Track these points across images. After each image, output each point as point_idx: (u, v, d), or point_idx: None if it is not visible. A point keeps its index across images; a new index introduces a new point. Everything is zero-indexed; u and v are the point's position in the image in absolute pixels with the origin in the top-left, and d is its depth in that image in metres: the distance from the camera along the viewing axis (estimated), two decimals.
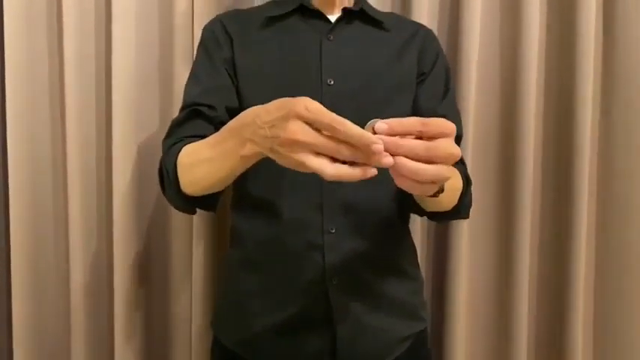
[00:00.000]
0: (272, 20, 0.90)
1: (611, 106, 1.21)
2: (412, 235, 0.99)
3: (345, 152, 0.51)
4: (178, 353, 1.18)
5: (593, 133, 1.18)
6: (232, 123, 0.65)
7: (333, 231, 0.84)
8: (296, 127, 0.52)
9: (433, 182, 0.55)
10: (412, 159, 0.53)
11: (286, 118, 0.53)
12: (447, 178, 0.55)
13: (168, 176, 0.79)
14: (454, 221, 1.16)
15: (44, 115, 1.15)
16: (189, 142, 0.78)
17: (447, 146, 0.53)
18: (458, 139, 0.96)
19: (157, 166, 0.85)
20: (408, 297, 0.92)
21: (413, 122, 0.53)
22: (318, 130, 0.52)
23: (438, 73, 0.94)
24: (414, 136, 0.54)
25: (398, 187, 0.68)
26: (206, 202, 0.83)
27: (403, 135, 0.53)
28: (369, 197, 0.86)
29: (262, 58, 0.88)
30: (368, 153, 0.51)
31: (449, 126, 0.54)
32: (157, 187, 1.14)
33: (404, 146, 0.52)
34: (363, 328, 0.86)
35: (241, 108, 0.87)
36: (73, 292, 1.14)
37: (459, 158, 0.55)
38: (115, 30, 1.09)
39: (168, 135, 0.86)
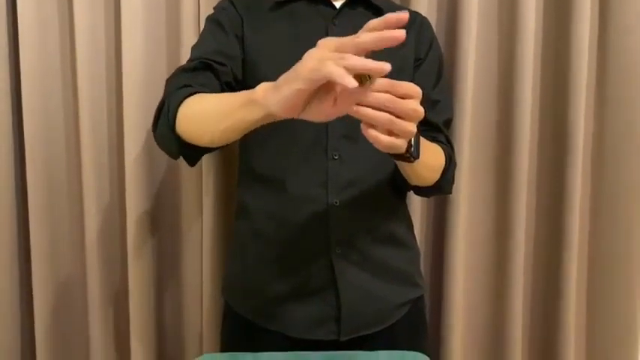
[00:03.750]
0: (280, 5, 0.94)
1: (605, 98, 1.25)
2: (412, 213, 1.05)
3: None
4: (190, 320, 1.24)
5: (587, 123, 1.22)
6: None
7: (337, 204, 0.90)
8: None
9: (396, 135, 0.59)
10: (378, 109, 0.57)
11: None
12: (411, 133, 0.59)
13: (168, 109, 0.78)
14: (453, 201, 1.21)
15: (57, 101, 1.21)
16: (199, 91, 0.78)
17: (412, 103, 0.58)
18: (449, 122, 1.02)
19: None
20: (406, 265, 0.98)
21: (382, 82, 0.57)
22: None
23: (432, 60, 0.99)
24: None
25: (395, 165, 0.73)
26: (191, 151, 0.81)
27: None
28: (369, 173, 0.92)
29: (270, 42, 0.92)
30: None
31: (414, 89, 0.58)
32: (165, 167, 1.21)
33: (372, 95, 0.56)
34: (364, 294, 0.92)
35: (245, 85, 0.87)
36: (89, 267, 1.19)
37: (421, 117, 0.59)
38: (124, 23, 1.14)
39: (175, 76, 0.85)
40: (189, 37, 1.15)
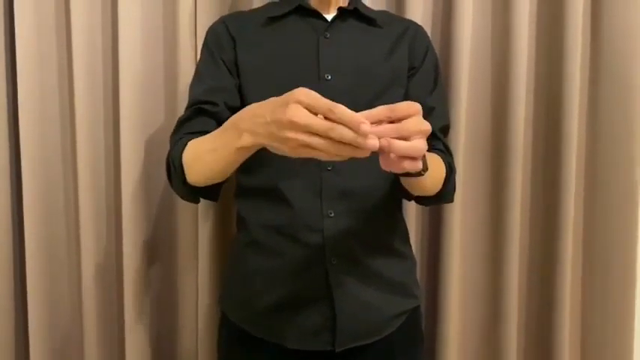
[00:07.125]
0: (272, 20, 0.96)
1: (598, 100, 1.26)
2: (407, 221, 1.06)
3: (337, 131, 0.56)
4: (185, 331, 1.24)
5: (580, 125, 1.23)
6: (232, 118, 0.71)
7: (332, 215, 0.90)
8: (295, 110, 0.57)
9: (413, 158, 0.61)
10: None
11: (286, 103, 0.58)
12: (423, 150, 0.61)
13: (174, 168, 0.87)
14: (448, 209, 1.22)
15: (54, 110, 1.21)
16: (194, 138, 0.86)
17: (416, 123, 0.60)
18: (446, 129, 1.03)
19: (163, 153, 0.94)
20: (402, 276, 0.99)
21: (381, 110, 0.59)
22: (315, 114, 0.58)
23: (427, 68, 1.00)
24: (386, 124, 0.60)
25: (390, 174, 0.74)
26: (209, 192, 0.91)
27: (376, 124, 0.59)
28: (364, 183, 0.93)
29: (263, 57, 0.94)
30: (357, 131, 0.56)
31: (413, 107, 0.60)
32: (163, 174, 1.21)
33: (376, 132, 0.58)
34: (360, 305, 0.92)
35: (243, 106, 0.93)
36: (85, 275, 1.20)
37: (429, 132, 0.61)
38: (121, 30, 1.15)
39: (175, 131, 0.94)
40: (186, 37, 1.17)
